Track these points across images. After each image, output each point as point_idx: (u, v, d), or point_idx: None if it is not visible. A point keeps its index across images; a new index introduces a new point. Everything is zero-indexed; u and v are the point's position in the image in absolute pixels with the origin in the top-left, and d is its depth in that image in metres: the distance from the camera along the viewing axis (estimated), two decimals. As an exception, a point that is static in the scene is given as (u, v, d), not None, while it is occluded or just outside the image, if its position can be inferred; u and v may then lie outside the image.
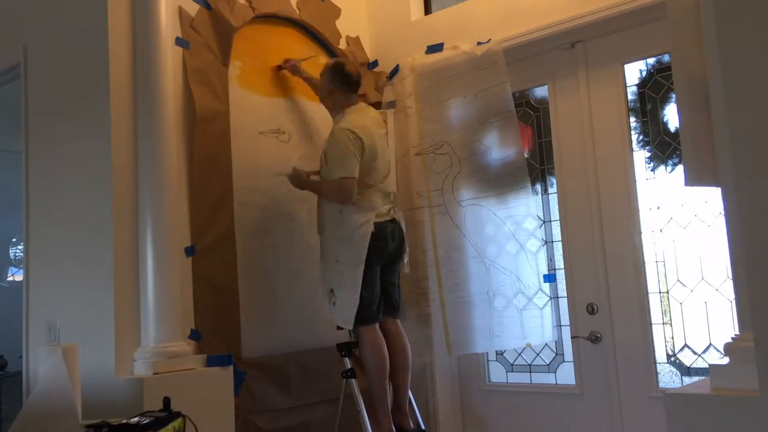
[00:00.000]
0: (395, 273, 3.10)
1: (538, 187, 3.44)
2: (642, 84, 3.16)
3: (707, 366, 2.23)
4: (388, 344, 2.96)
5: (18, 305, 3.15)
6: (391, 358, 2.97)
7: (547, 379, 3.39)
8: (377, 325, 2.96)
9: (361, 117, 3.04)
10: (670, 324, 3.03)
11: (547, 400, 3.35)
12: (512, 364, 3.51)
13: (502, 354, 3.53)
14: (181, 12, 2.98)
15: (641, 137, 3.15)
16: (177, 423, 2.25)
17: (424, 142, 3.54)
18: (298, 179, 3.08)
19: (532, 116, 3.49)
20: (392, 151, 3.54)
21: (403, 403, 3.04)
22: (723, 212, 1.82)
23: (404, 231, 3.10)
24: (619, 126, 3.16)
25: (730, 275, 1.87)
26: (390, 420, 2.91)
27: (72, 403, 2.15)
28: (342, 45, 3.71)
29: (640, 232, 3.10)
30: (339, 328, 3.04)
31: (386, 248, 2.96)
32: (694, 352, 2.97)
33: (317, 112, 3.50)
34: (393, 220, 3.03)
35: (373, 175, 2.97)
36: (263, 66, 3.34)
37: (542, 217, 3.38)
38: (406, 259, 3.15)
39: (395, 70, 3.70)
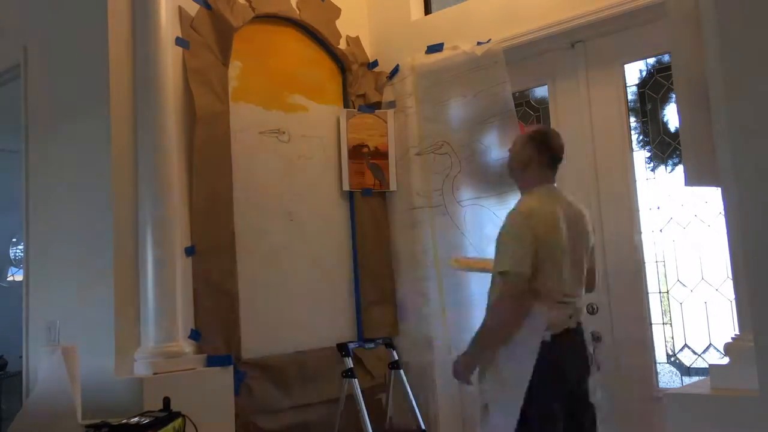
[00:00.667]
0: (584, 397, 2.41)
1: (538, 187, 3.43)
2: (642, 84, 3.16)
3: (707, 366, 2.23)
4: None
5: (18, 305, 3.15)
6: None
7: (547, 379, 3.38)
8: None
9: (551, 199, 2.42)
10: (670, 324, 3.03)
11: (547, 400, 3.34)
12: (512, 364, 3.51)
13: (502, 354, 3.52)
14: (181, 12, 2.98)
15: (641, 137, 3.15)
16: (177, 423, 2.25)
17: (424, 142, 3.54)
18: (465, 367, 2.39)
19: (532, 116, 3.49)
20: (392, 151, 3.54)
21: None
22: (723, 212, 1.82)
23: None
24: (619, 126, 3.16)
25: (730, 275, 1.87)
26: None
27: (72, 403, 2.15)
28: (342, 45, 3.71)
29: (640, 232, 3.09)
30: None
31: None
32: (694, 352, 2.97)
33: (320, 112, 3.51)
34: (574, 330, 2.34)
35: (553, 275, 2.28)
36: (263, 67, 3.34)
37: (542, 217, 3.37)
38: (590, 384, 2.43)
39: (395, 70, 3.70)
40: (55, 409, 2.13)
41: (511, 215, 2.38)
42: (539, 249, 2.24)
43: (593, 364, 2.41)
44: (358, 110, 3.64)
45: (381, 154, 3.60)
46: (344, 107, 3.69)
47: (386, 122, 3.58)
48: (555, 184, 2.51)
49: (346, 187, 3.56)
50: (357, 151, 3.60)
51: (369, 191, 3.58)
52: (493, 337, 2.28)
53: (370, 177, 3.59)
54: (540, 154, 2.46)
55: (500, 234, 2.36)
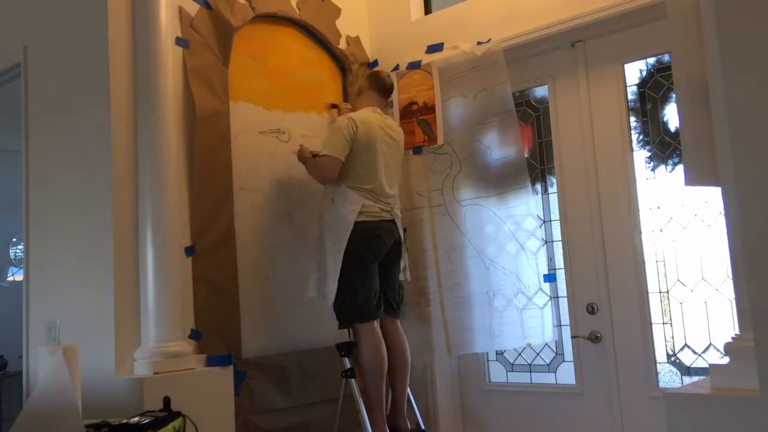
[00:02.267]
0: (393, 274, 3.10)
1: (538, 187, 3.44)
2: (642, 84, 3.16)
3: (707, 366, 2.23)
4: (387, 344, 2.97)
5: (18, 305, 3.15)
6: (390, 358, 2.97)
7: (547, 378, 3.39)
8: (376, 324, 2.96)
9: (370, 114, 3.14)
10: (670, 324, 3.03)
11: (547, 399, 3.35)
12: (512, 364, 3.51)
13: (502, 354, 3.53)
14: (181, 12, 2.98)
15: (641, 137, 3.15)
16: (177, 423, 2.25)
17: (424, 142, 3.55)
18: (301, 154, 3.20)
19: (532, 116, 3.49)
20: (439, 103, 3.51)
21: (401, 404, 3.04)
22: (723, 212, 1.82)
23: (402, 236, 3.11)
24: (619, 126, 3.16)
25: (730, 275, 1.87)
26: (384, 421, 2.91)
27: (74, 403, 2.15)
28: (342, 45, 3.71)
29: (640, 232, 3.10)
30: (340, 327, 3.03)
31: (380, 247, 2.99)
32: (694, 352, 2.97)
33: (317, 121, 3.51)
34: (391, 221, 3.05)
35: (368, 169, 3.00)
36: (263, 67, 3.34)
37: (542, 217, 3.37)
38: (402, 265, 3.14)
39: (395, 70, 3.70)
40: (57, 408, 2.13)
41: (339, 119, 3.14)
42: (354, 147, 2.98)
43: (404, 248, 3.13)
44: (407, 68, 3.62)
45: (429, 109, 3.54)
46: (344, 107, 3.70)
47: (431, 74, 3.55)
48: (381, 109, 3.23)
49: (401, 153, 3.57)
50: (407, 110, 3.60)
51: (419, 149, 3.56)
52: (309, 171, 3.15)
53: (420, 134, 3.56)
54: (372, 82, 3.27)
55: (329, 130, 3.13)
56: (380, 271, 3.03)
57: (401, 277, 3.15)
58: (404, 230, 3.18)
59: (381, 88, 3.25)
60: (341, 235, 2.92)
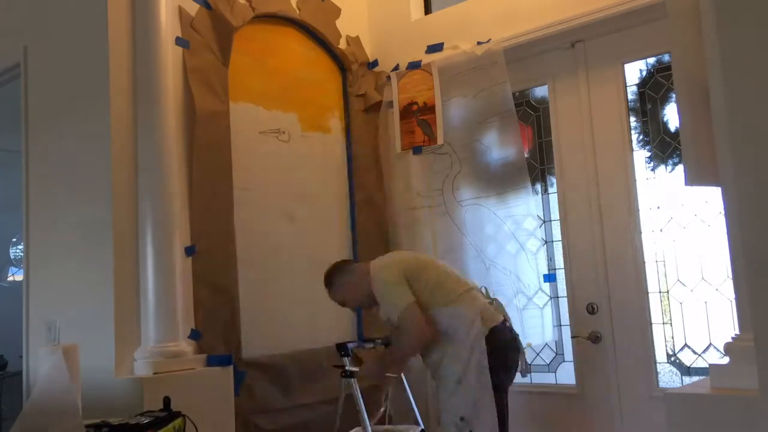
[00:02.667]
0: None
1: (538, 186, 3.44)
2: (642, 84, 3.16)
3: (707, 366, 2.23)
4: None
5: (18, 305, 3.15)
6: None
7: (547, 378, 3.38)
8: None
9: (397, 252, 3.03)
10: (670, 324, 3.03)
11: (547, 399, 3.35)
12: (512, 364, 3.51)
13: (502, 354, 3.52)
14: (181, 12, 2.98)
15: (641, 137, 3.15)
16: (177, 423, 2.25)
17: (424, 142, 3.55)
18: (376, 370, 2.86)
19: (532, 116, 3.49)
20: (439, 103, 3.49)
21: None
22: (723, 212, 1.82)
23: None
24: (619, 126, 3.16)
25: (730, 275, 1.86)
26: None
27: (74, 402, 2.15)
28: (342, 45, 3.71)
29: (640, 232, 3.09)
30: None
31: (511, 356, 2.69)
32: (694, 352, 2.97)
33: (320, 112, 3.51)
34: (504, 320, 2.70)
35: (440, 280, 2.69)
36: (263, 67, 3.34)
37: (542, 217, 3.37)
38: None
39: (395, 70, 3.70)
40: (58, 408, 2.13)
41: (373, 276, 2.71)
42: (410, 279, 2.63)
43: (522, 359, 2.77)
44: (406, 68, 3.62)
45: (428, 109, 3.54)
46: (344, 107, 3.70)
47: (431, 74, 3.55)
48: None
49: (398, 149, 3.59)
50: (407, 110, 3.61)
51: (419, 149, 3.56)
52: (405, 353, 2.77)
53: (420, 134, 3.56)
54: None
55: (377, 291, 2.68)
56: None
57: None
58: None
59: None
60: (477, 357, 2.54)
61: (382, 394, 3.19)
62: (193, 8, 3.03)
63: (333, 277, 2.84)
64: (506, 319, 2.72)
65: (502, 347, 2.62)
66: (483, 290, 2.84)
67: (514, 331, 2.74)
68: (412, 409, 3.18)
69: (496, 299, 2.82)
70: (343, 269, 2.86)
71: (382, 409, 3.16)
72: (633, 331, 3.07)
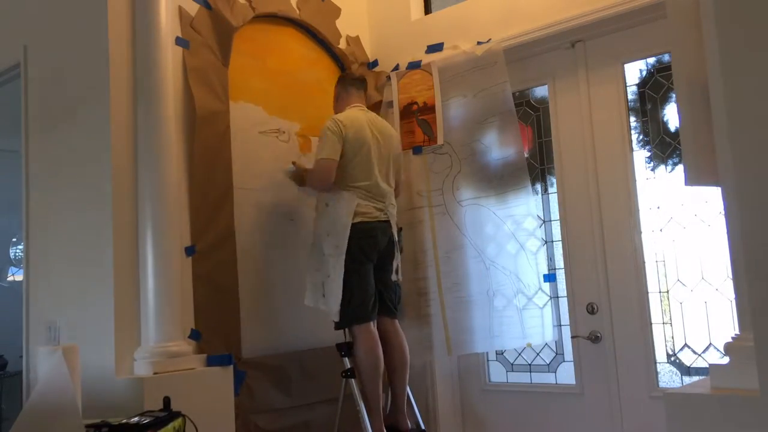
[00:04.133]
0: (388, 274, 3.07)
1: (538, 186, 3.44)
2: (642, 83, 3.16)
3: (707, 366, 2.23)
4: (385, 344, 2.96)
5: (18, 305, 3.15)
6: (389, 357, 2.97)
7: (547, 378, 3.39)
8: (372, 325, 2.95)
9: (356, 111, 3.12)
10: (670, 324, 3.03)
11: (547, 399, 3.35)
12: (512, 364, 3.51)
13: (502, 354, 3.53)
14: (181, 12, 2.98)
15: (641, 137, 3.15)
16: (177, 423, 2.25)
17: (424, 142, 3.55)
18: (295, 173, 3.19)
19: (532, 116, 3.49)
20: (439, 103, 3.51)
21: (401, 403, 3.04)
22: (723, 212, 1.82)
23: (396, 236, 3.06)
24: (619, 126, 3.16)
25: (730, 275, 1.87)
26: (381, 421, 2.91)
27: (74, 402, 2.15)
28: (342, 45, 3.71)
29: (640, 232, 3.10)
30: (336, 328, 3.03)
31: (374, 247, 2.96)
32: (694, 352, 2.97)
33: (319, 113, 3.51)
34: (385, 222, 3.02)
35: (361, 167, 2.98)
36: (263, 67, 3.34)
37: (542, 217, 3.37)
38: (394, 265, 3.07)
39: (395, 70, 3.70)
40: (57, 408, 2.13)
41: (327, 122, 3.03)
42: (346, 147, 2.96)
43: (397, 249, 3.06)
44: (406, 68, 3.62)
45: (429, 109, 3.55)
46: (344, 107, 3.70)
47: (431, 74, 3.55)
48: (363, 105, 3.21)
49: (398, 150, 3.58)
50: (407, 110, 3.61)
51: (419, 149, 3.56)
52: (308, 183, 3.18)
53: (420, 134, 3.57)
54: (343, 83, 3.25)
55: (320, 134, 3.02)
56: (376, 272, 3.02)
57: (393, 277, 3.10)
58: (399, 230, 3.15)
59: (353, 81, 3.23)
60: (341, 237, 2.89)
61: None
62: (193, 8, 3.03)
63: (337, 83, 3.28)
64: (382, 219, 3.02)
65: (366, 237, 2.95)
66: (390, 204, 3.09)
67: (388, 224, 3.03)
68: (413, 408, 3.18)
69: (393, 205, 3.11)
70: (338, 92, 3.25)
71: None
72: (633, 330, 3.07)
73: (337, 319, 2.92)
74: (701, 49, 1.80)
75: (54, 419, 2.10)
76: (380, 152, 3.07)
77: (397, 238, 3.08)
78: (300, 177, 3.17)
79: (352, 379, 2.95)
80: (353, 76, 3.30)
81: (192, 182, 2.91)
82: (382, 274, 3.05)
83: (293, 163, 3.27)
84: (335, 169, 2.94)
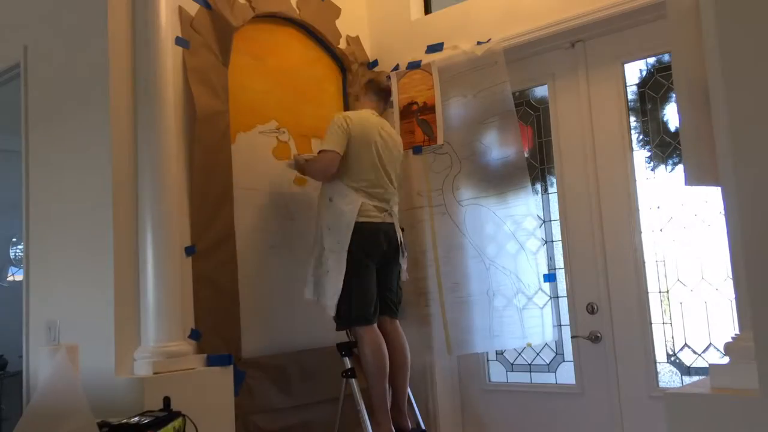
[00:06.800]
0: (391, 275, 3.09)
1: (538, 186, 3.44)
2: (642, 83, 3.16)
3: (707, 365, 2.23)
4: (386, 345, 2.96)
5: (18, 305, 3.15)
6: (390, 358, 2.97)
7: (547, 378, 3.39)
8: (375, 326, 2.96)
9: (367, 114, 3.15)
10: (670, 323, 3.03)
11: (547, 399, 3.35)
12: (512, 364, 3.51)
13: (502, 354, 3.53)
14: (181, 12, 2.98)
15: (641, 137, 3.15)
16: (177, 423, 2.25)
17: (424, 142, 3.55)
18: (297, 161, 3.20)
19: (532, 116, 3.49)
20: (439, 103, 3.51)
21: (401, 403, 3.04)
22: (723, 212, 1.82)
23: (401, 236, 3.09)
24: (619, 125, 3.16)
25: (730, 275, 1.87)
26: (389, 420, 2.91)
27: (82, 399, 2.15)
28: (342, 45, 3.71)
29: (640, 232, 3.10)
30: (338, 328, 3.03)
31: (377, 248, 2.98)
32: (694, 352, 2.97)
33: (319, 112, 3.51)
34: (390, 223, 3.04)
35: (365, 165, 2.99)
36: (263, 67, 3.34)
37: (542, 217, 3.37)
38: (404, 266, 3.14)
39: (395, 70, 3.70)
40: (65, 406, 2.12)
41: (335, 116, 3.07)
42: (351, 143, 2.98)
43: (402, 250, 3.09)
44: (407, 68, 3.62)
45: (429, 109, 3.55)
46: (344, 107, 3.70)
47: (431, 74, 3.54)
48: (377, 113, 3.23)
49: (400, 156, 3.59)
50: (407, 110, 3.61)
51: (419, 149, 3.57)
52: (309, 172, 3.15)
53: (420, 134, 3.57)
54: (367, 90, 3.30)
55: (328, 127, 3.03)
56: (378, 273, 3.02)
57: (404, 276, 3.14)
58: (402, 230, 3.16)
59: (378, 90, 3.29)
60: (343, 234, 2.90)
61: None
62: (193, 8, 3.03)
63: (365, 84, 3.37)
64: (387, 221, 3.03)
65: (368, 236, 2.95)
66: (393, 208, 3.09)
67: (392, 225, 3.06)
68: (413, 408, 3.18)
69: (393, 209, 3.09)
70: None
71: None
72: (633, 331, 3.07)
73: (333, 313, 2.92)
74: (701, 49, 1.80)
75: (62, 418, 2.09)
76: (387, 155, 3.09)
77: (401, 240, 3.10)
78: (300, 165, 3.18)
79: (352, 379, 2.95)
80: (381, 86, 3.34)
81: (192, 182, 2.91)
82: (384, 275, 3.05)
83: (295, 154, 3.29)
84: (337, 161, 2.95)
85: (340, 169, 2.98)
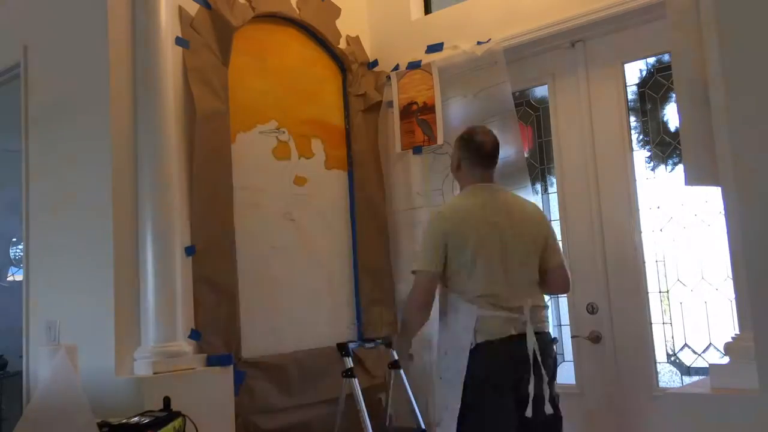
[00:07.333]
0: (537, 407, 2.37)
1: (538, 186, 3.44)
2: (642, 83, 3.16)
3: (707, 365, 2.23)
4: None
5: (18, 305, 3.15)
6: None
7: (547, 378, 3.38)
8: None
9: (467, 199, 2.53)
10: (670, 323, 3.03)
11: (547, 399, 3.34)
12: (512, 364, 3.50)
13: (502, 354, 3.52)
14: (181, 12, 2.98)
15: (641, 137, 3.15)
16: (177, 423, 2.25)
17: (424, 142, 3.55)
18: (396, 340, 2.97)
19: (532, 116, 3.49)
20: (439, 103, 3.49)
21: None
22: (723, 212, 1.82)
23: (539, 352, 2.36)
24: (619, 125, 3.16)
25: (730, 275, 1.87)
26: None
27: (83, 399, 2.15)
28: (342, 45, 3.71)
29: (640, 232, 3.09)
30: None
31: (505, 376, 2.34)
32: (694, 352, 2.97)
33: (319, 112, 3.51)
34: (521, 336, 2.36)
35: (475, 272, 2.38)
36: (263, 67, 3.34)
37: (542, 217, 3.37)
38: (545, 394, 2.37)
39: (395, 70, 3.70)
40: (66, 406, 2.12)
41: (431, 216, 2.57)
42: (450, 247, 2.40)
43: (546, 370, 2.40)
44: (406, 68, 3.62)
45: (428, 109, 3.54)
46: (344, 107, 3.70)
47: (431, 74, 3.54)
48: (489, 183, 2.58)
49: (398, 149, 3.60)
50: (407, 110, 3.61)
51: (419, 149, 3.56)
52: (408, 327, 2.62)
53: (420, 134, 3.57)
54: (467, 154, 2.56)
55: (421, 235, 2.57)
56: (517, 408, 2.35)
57: (547, 410, 2.38)
58: (553, 340, 2.53)
59: (480, 157, 2.55)
60: (461, 360, 2.32)
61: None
62: (193, 8, 3.03)
63: (457, 142, 2.63)
64: (515, 334, 2.35)
65: (492, 363, 2.33)
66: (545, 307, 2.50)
67: (525, 348, 2.35)
68: (413, 409, 3.17)
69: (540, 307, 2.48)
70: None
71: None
72: (633, 331, 3.07)
73: None
74: (701, 49, 1.80)
75: (62, 416, 2.10)
76: (513, 241, 2.45)
77: (541, 355, 2.36)
78: (398, 340, 2.90)
79: (352, 379, 2.95)
80: (483, 150, 2.54)
81: (192, 182, 2.91)
82: (523, 410, 2.34)
83: (388, 345, 3.10)
84: (436, 281, 2.40)
85: (450, 279, 2.43)
